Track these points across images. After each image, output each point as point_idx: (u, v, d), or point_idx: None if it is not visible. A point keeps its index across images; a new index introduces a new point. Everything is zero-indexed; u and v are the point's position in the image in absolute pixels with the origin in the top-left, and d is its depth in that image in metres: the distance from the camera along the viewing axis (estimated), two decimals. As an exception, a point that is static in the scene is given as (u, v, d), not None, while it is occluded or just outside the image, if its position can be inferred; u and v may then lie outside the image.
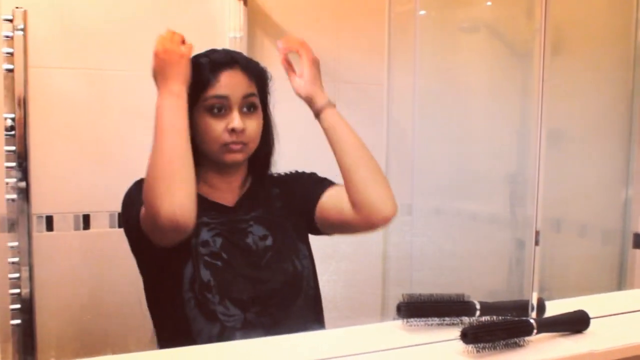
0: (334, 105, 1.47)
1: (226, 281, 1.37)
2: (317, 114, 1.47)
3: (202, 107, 1.40)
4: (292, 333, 1.20)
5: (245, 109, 1.42)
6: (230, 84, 1.41)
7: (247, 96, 1.43)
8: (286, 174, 1.60)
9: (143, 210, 1.32)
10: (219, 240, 1.40)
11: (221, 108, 1.40)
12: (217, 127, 1.39)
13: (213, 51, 1.47)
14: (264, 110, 1.50)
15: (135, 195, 1.37)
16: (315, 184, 1.54)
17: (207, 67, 1.42)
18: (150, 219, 1.28)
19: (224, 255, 1.39)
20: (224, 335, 1.34)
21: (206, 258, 1.37)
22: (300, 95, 1.48)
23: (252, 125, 1.43)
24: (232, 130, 1.39)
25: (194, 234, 1.36)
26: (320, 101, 1.46)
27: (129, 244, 1.43)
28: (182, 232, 1.27)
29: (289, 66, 1.51)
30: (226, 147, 1.40)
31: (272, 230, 1.46)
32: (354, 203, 1.41)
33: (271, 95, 1.53)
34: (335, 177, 1.50)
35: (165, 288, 1.40)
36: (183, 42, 1.37)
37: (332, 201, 1.48)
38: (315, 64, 1.49)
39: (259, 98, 1.47)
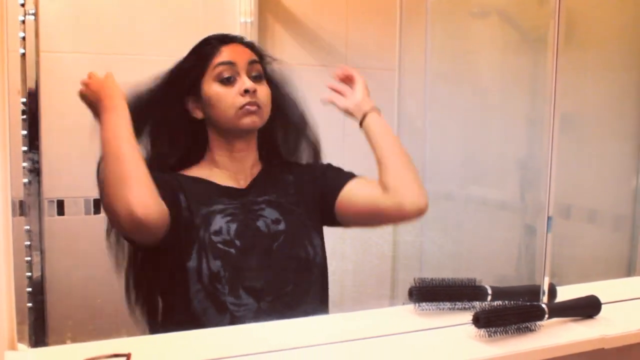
0: (378, 111, 1.51)
1: (239, 269, 1.36)
2: (362, 119, 1.50)
3: (211, 78, 1.43)
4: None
5: (252, 76, 1.44)
6: (233, 52, 1.45)
7: (252, 62, 1.46)
8: (301, 163, 1.59)
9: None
10: (233, 226, 1.39)
11: (230, 77, 1.42)
12: (230, 93, 1.42)
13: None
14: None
15: None
16: (335, 174, 1.54)
17: (209, 42, 1.46)
18: (115, 225, 1.29)
19: (237, 243, 1.38)
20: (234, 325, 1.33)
21: (219, 246, 1.36)
22: (347, 110, 1.54)
23: (263, 90, 1.45)
24: (245, 92, 1.41)
25: (203, 224, 1.37)
26: (365, 107, 1.51)
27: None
28: (151, 229, 1.23)
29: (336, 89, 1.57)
30: (242, 109, 1.41)
31: (285, 215, 1.46)
32: (387, 187, 1.41)
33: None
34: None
35: (172, 280, 1.39)
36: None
37: (360, 189, 1.47)
38: (364, 84, 1.56)
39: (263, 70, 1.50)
